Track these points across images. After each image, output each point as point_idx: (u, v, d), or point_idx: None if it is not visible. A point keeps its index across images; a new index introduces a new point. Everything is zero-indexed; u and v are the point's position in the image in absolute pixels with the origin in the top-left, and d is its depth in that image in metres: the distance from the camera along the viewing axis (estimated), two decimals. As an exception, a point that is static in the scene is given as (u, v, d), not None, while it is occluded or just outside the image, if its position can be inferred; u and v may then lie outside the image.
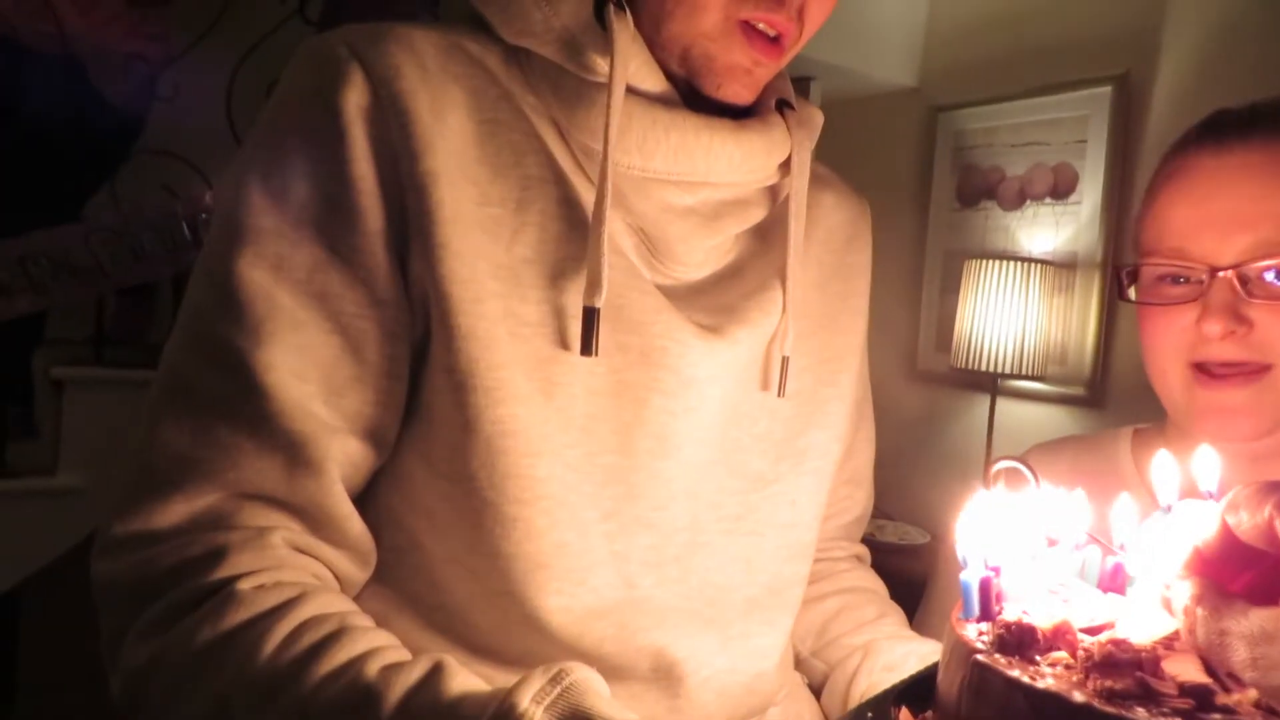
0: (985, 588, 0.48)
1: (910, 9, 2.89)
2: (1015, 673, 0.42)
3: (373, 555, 0.73)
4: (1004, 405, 2.50)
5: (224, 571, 0.63)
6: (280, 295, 0.66)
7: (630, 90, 0.72)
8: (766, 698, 0.84)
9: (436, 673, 0.58)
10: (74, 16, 2.65)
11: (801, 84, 2.89)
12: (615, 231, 0.75)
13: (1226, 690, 0.41)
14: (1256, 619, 0.41)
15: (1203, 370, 0.87)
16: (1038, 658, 0.44)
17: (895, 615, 0.95)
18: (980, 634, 0.47)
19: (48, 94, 2.62)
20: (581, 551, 0.72)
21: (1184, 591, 0.45)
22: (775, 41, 0.73)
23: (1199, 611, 0.43)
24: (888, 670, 0.84)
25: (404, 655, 0.62)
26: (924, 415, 2.82)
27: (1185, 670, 0.42)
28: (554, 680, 0.55)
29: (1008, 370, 2.33)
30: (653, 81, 0.73)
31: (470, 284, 0.68)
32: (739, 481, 0.81)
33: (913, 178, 2.93)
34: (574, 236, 0.72)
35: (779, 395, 0.81)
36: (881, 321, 3.10)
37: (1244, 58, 2.16)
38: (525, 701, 0.54)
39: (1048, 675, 0.42)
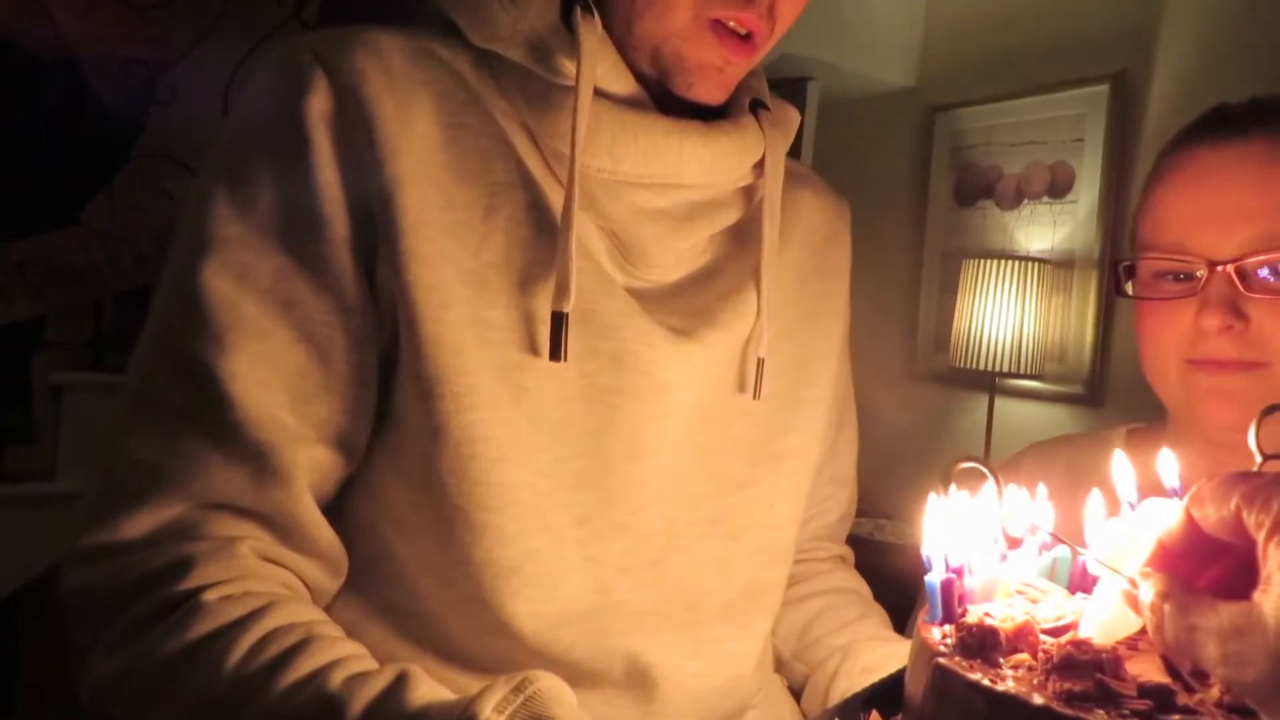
0: (947, 589, 0.48)
1: (907, 9, 2.89)
2: (975, 675, 0.42)
3: (343, 564, 0.73)
4: (1003, 404, 2.50)
5: (191, 582, 0.63)
6: (245, 304, 0.66)
7: (599, 93, 0.71)
8: (743, 701, 0.83)
9: (401, 682, 0.58)
10: (71, 20, 2.66)
11: (799, 84, 2.89)
12: (586, 235, 0.74)
13: (1189, 690, 0.41)
14: (1225, 614, 0.40)
15: (1195, 365, 0.87)
16: (1001, 660, 0.44)
17: (877, 616, 0.94)
18: (944, 636, 0.46)
19: (45, 98, 2.63)
20: (553, 557, 0.71)
21: (1149, 588, 0.43)
22: (746, 40, 0.72)
23: (1166, 608, 0.42)
24: (866, 672, 0.83)
25: (370, 665, 0.62)
26: (923, 414, 2.82)
27: (1147, 671, 0.42)
28: (517, 689, 0.55)
29: (1006, 369, 2.32)
30: (622, 84, 0.73)
31: (437, 290, 0.68)
32: (715, 485, 0.80)
33: (910, 177, 2.93)
34: (543, 241, 0.72)
35: (755, 397, 0.81)
36: (880, 321, 3.11)
37: (1240, 55, 2.16)
38: (487, 710, 0.53)
39: (1008, 677, 0.42)
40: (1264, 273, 0.83)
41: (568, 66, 0.70)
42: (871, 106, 3.04)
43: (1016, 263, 2.34)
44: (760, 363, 0.80)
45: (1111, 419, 2.42)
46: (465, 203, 0.70)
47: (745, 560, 0.82)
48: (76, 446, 2.54)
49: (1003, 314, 2.32)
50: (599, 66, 0.71)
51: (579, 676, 0.73)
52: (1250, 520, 0.41)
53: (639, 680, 0.75)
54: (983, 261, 2.38)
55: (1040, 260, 2.38)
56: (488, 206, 0.71)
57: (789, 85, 2.86)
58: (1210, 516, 0.43)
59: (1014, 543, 0.51)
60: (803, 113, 2.89)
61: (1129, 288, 0.92)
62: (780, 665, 0.94)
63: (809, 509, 0.93)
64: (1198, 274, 0.85)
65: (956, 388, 2.71)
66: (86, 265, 2.53)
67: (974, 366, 2.36)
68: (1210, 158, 0.87)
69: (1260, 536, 0.41)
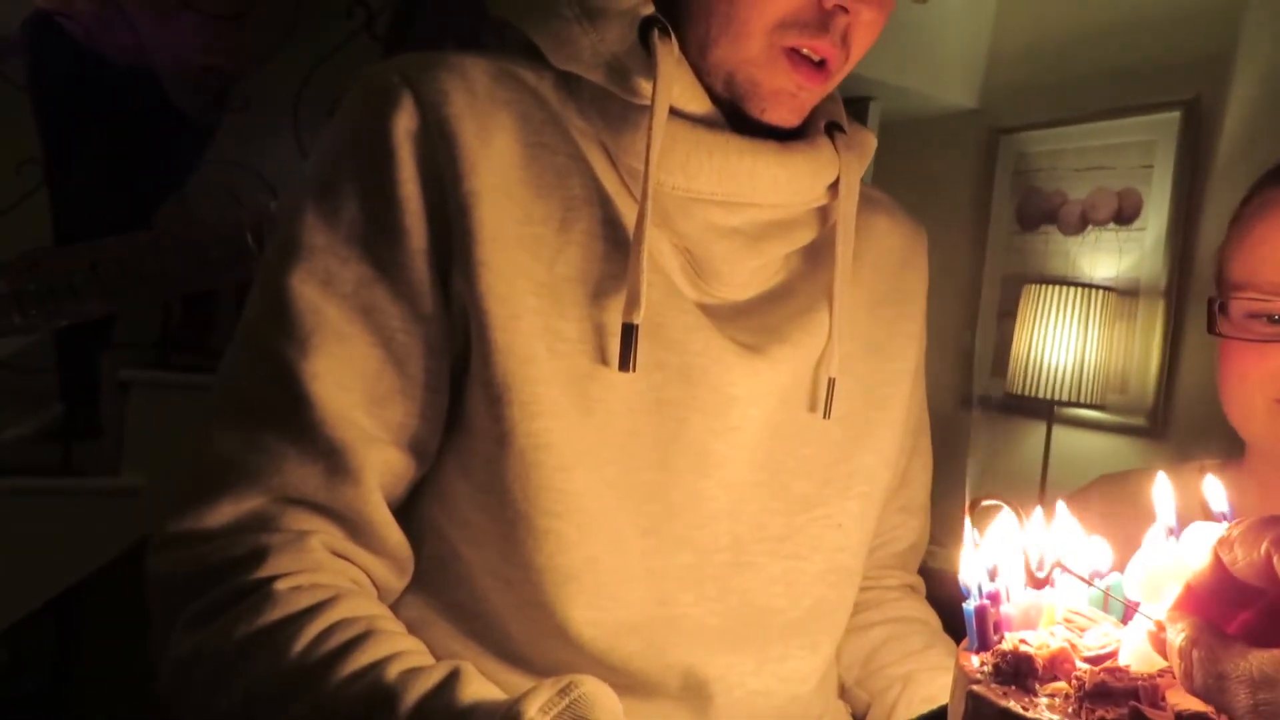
0: (981, 616, 0.48)
1: (973, 30, 2.87)
2: (1008, 702, 0.42)
3: (410, 564, 0.75)
4: (1061, 433, 2.46)
5: (264, 571, 0.66)
6: (328, 309, 0.70)
7: (675, 112, 0.73)
8: None
9: (453, 678, 0.60)
10: (152, 29, 2.74)
11: (861, 104, 2.88)
12: (660, 251, 0.76)
13: None
14: (1256, 661, 0.38)
15: None
16: (1037, 687, 0.43)
17: (943, 646, 0.93)
18: (981, 664, 0.46)
19: (124, 103, 2.71)
20: (614, 566, 0.73)
21: (1177, 632, 0.42)
22: (820, 66, 0.74)
23: (1195, 654, 0.41)
24: (927, 702, 0.83)
25: (426, 660, 0.64)
26: (979, 441, 2.78)
27: (1187, 700, 0.41)
28: (563, 692, 0.56)
29: (1065, 398, 2.29)
30: (697, 104, 0.74)
31: (509, 300, 0.70)
32: (783, 503, 0.80)
33: (972, 200, 2.90)
34: (616, 255, 0.74)
35: (825, 417, 0.81)
36: (937, 345, 3.06)
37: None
38: (532, 710, 0.55)
39: (1042, 705, 0.42)
40: None
41: (644, 87, 0.71)
42: (934, 127, 3.02)
43: (1079, 289, 2.30)
44: (831, 383, 0.80)
45: (1174, 452, 2.36)
46: (541, 217, 0.73)
47: (812, 580, 0.82)
48: (142, 442, 2.60)
49: (1064, 341, 2.29)
50: (675, 87, 0.72)
51: (636, 686, 0.74)
52: None
53: (695, 694, 0.76)
54: (1044, 287, 2.34)
55: (1104, 288, 2.34)
56: (563, 221, 0.73)
57: (851, 105, 2.85)
58: (1239, 561, 0.42)
59: (1038, 582, 0.51)
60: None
61: (1219, 325, 0.91)
62: (844, 692, 0.94)
63: (878, 535, 0.93)
64: None
65: (1013, 415, 2.67)
66: (157, 268, 2.59)
67: (1032, 394, 2.32)
68: None
69: None
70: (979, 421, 2.79)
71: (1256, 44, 2.26)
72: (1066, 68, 2.66)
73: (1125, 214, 2.48)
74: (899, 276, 0.91)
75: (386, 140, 0.70)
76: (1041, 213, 2.69)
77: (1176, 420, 2.35)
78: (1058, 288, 2.32)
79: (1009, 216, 2.78)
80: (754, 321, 0.79)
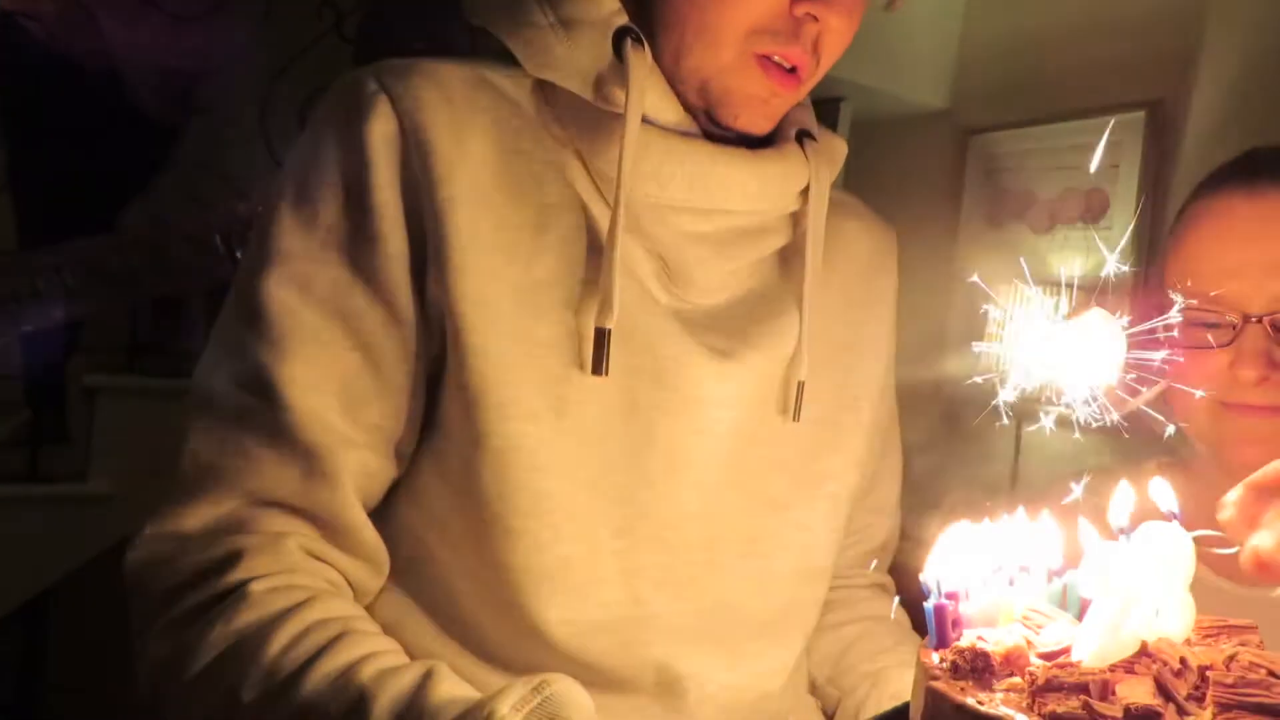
0: (940, 614, 0.49)
1: (942, 31, 2.89)
2: (966, 698, 0.43)
3: (385, 565, 0.76)
4: (1031, 430, 2.48)
5: (241, 573, 0.67)
6: (305, 313, 0.70)
7: (648, 121, 0.74)
8: (772, 716, 0.84)
9: (428, 678, 0.61)
10: (116, 30, 2.71)
11: (832, 105, 2.89)
12: (633, 257, 0.77)
13: (1182, 713, 0.41)
14: None
15: (1231, 408, 0.87)
16: (994, 683, 0.44)
17: (912, 644, 0.94)
18: (941, 660, 0.47)
19: (88, 105, 2.68)
20: (588, 566, 0.74)
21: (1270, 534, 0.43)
22: (792, 73, 0.75)
23: None
24: (895, 699, 0.84)
25: (401, 660, 0.65)
26: (950, 438, 2.80)
27: (1137, 693, 0.42)
28: (535, 690, 0.57)
29: (1035, 395, 2.31)
30: (670, 113, 0.75)
31: (484, 304, 0.71)
32: (754, 504, 0.81)
33: (942, 199, 2.92)
34: (590, 261, 0.74)
35: (795, 420, 0.82)
36: (908, 343, 3.09)
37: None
38: (504, 709, 0.56)
39: (998, 700, 0.43)
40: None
41: (618, 96, 0.72)
42: (904, 128, 3.04)
43: (1048, 287, 2.33)
44: (800, 386, 0.81)
45: (1140, 448, 2.40)
46: (517, 223, 0.73)
47: (782, 580, 0.83)
48: (109, 449, 2.57)
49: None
50: (648, 96, 0.73)
51: (610, 683, 0.75)
52: None
53: (669, 690, 0.77)
54: (1014, 285, 2.37)
55: (1072, 286, 2.37)
56: (538, 227, 0.74)
57: (822, 106, 2.86)
58: None
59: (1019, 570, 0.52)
60: (835, 133, 2.90)
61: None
62: (815, 689, 0.95)
63: (849, 535, 0.94)
64: (1229, 321, 0.85)
65: (984, 412, 2.70)
66: (123, 271, 2.57)
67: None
68: (1244, 208, 0.87)
69: None
70: (951, 419, 2.81)
71: (1219, 47, 2.29)
72: (1034, 68, 2.68)
73: (1093, 213, 2.51)
74: (869, 280, 0.93)
75: (363, 146, 0.71)
76: (1011, 211, 2.72)
77: (1142, 417, 2.38)
78: (1027, 285, 2.35)
79: (979, 215, 2.81)
80: (725, 326, 0.80)
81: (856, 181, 2.95)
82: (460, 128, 0.72)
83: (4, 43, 2.61)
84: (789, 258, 0.85)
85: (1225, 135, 2.28)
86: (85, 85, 2.66)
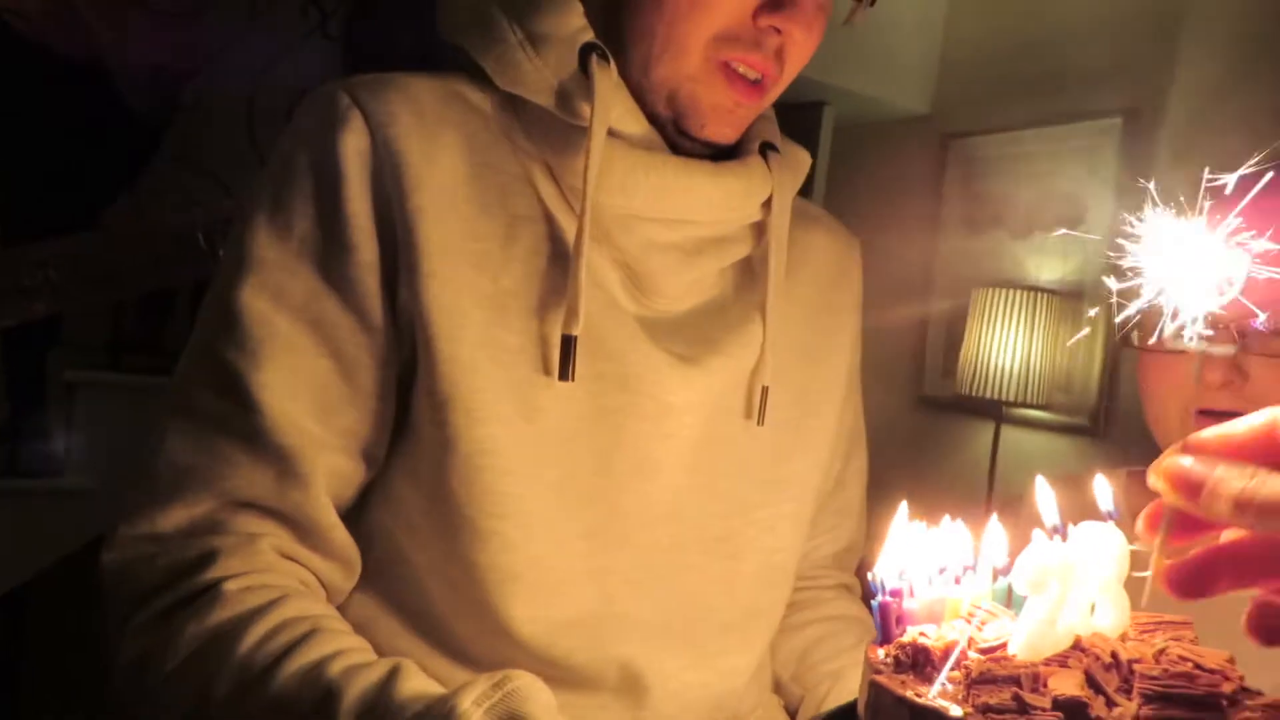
0: (885, 611, 0.51)
1: (924, 36, 2.92)
2: (906, 691, 0.45)
3: (357, 565, 0.78)
4: (1009, 432, 2.51)
5: (214, 573, 0.69)
6: (278, 321, 0.72)
7: (613, 134, 0.76)
8: (734, 713, 0.86)
9: (394, 674, 0.62)
10: (103, 26, 2.71)
11: (815, 109, 2.91)
12: (599, 266, 0.78)
13: (1110, 705, 0.43)
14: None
15: (1202, 415, 0.89)
16: (935, 676, 0.46)
17: None
18: (885, 655, 0.49)
19: (73, 101, 2.67)
20: (556, 566, 0.76)
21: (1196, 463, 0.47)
22: (756, 85, 0.77)
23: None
24: (854, 696, 0.85)
25: (370, 657, 0.67)
26: (929, 440, 2.82)
27: (1066, 686, 0.43)
28: (497, 685, 0.59)
29: (1013, 398, 2.33)
30: (635, 126, 0.77)
31: (454, 312, 0.73)
32: (721, 506, 0.83)
33: (923, 203, 2.95)
34: (558, 270, 0.76)
35: (759, 424, 0.84)
36: (888, 346, 3.12)
37: (1254, 95, 2.17)
38: (466, 703, 0.57)
39: (935, 692, 0.45)
40: (1258, 323, 0.85)
41: (585, 110, 0.74)
42: (886, 132, 3.07)
43: (1026, 292, 2.35)
44: (764, 391, 0.83)
45: (1115, 452, 2.42)
46: (486, 233, 0.75)
47: (748, 581, 0.85)
48: (88, 445, 2.57)
49: (1011, 343, 2.33)
50: (613, 110, 0.75)
51: (576, 681, 0.77)
52: None
53: (632, 686, 0.79)
54: (993, 290, 2.39)
55: (1050, 291, 2.39)
56: (507, 237, 0.76)
57: (804, 110, 2.89)
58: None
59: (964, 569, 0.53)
60: (817, 137, 2.92)
61: (1134, 338, 0.95)
62: (779, 688, 0.97)
63: (815, 536, 0.97)
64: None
65: (963, 415, 2.72)
66: (108, 268, 2.56)
67: (981, 394, 2.37)
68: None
69: None
70: (929, 421, 2.84)
71: (1193, 55, 2.32)
72: (1014, 74, 2.71)
73: (1070, 218, 2.53)
74: (834, 288, 0.94)
75: (336, 159, 0.73)
76: (990, 216, 2.74)
77: (1117, 421, 2.41)
78: (1005, 290, 2.37)
79: (959, 220, 2.83)
80: (690, 333, 0.82)
81: (838, 185, 2.99)
82: (431, 141, 0.74)
83: (-12, 39, 2.61)
84: (753, 266, 0.87)
85: (1199, 140, 2.31)
86: (71, 82, 2.66)
